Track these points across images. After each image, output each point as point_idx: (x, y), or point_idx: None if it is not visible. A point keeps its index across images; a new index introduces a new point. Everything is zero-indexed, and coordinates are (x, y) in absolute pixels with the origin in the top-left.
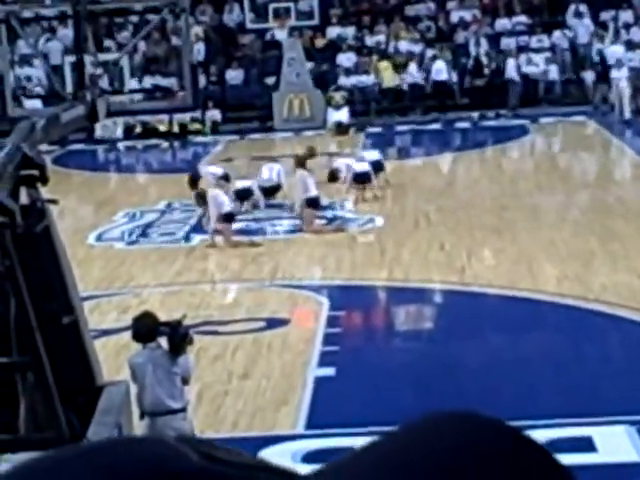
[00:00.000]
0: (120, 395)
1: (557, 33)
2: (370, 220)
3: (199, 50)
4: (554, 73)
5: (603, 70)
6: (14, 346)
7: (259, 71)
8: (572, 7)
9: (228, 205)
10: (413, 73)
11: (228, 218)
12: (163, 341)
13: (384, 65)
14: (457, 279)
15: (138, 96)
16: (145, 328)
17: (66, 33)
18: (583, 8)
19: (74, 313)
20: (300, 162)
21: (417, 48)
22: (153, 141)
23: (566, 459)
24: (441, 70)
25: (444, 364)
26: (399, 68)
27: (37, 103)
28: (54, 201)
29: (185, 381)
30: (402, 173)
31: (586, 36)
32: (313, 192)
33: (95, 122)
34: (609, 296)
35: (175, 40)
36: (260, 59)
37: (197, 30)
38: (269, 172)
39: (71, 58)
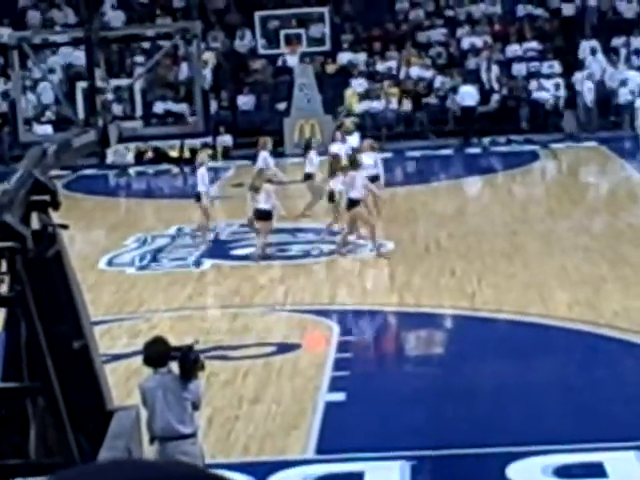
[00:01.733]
0: (130, 420)
1: (578, 75)
2: (381, 245)
3: (210, 76)
4: (563, 99)
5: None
6: (25, 371)
7: (270, 96)
8: (585, 45)
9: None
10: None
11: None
12: (174, 366)
13: (394, 91)
14: (468, 304)
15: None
16: (156, 353)
17: (78, 55)
18: (595, 43)
19: (85, 338)
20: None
21: (428, 74)
22: (164, 166)
23: None
24: (469, 94)
25: (454, 389)
26: (411, 94)
27: (48, 129)
28: (65, 226)
29: (195, 406)
30: (413, 198)
31: (599, 71)
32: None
33: (106, 147)
34: (620, 321)
35: (187, 66)
36: (271, 85)
37: (209, 56)
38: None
39: (83, 84)
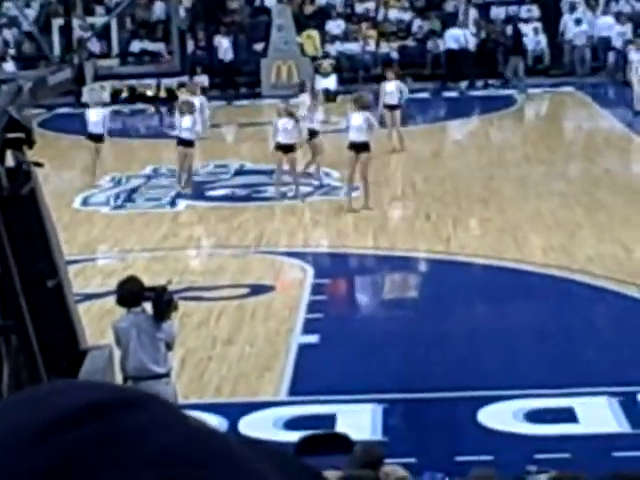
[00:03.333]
0: (103, 359)
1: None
2: (356, 188)
3: (187, 15)
4: (543, 43)
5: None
6: None
7: (247, 37)
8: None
9: None
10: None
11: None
12: (148, 306)
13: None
14: (443, 248)
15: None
16: (130, 293)
17: None
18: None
19: (58, 276)
20: None
21: (407, 16)
22: (140, 106)
23: (548, 429)
24: (455, 37)
25: (428, 334)
26: (389, 36)
27: (10, 66)
28: (40, 164)
29: (169, 346)
30: (389, 142)
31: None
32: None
33: (82, 85)
34: (594, 267)
35: (162, 5)
36: (249, 25)
37: None
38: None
39: (59, 21)
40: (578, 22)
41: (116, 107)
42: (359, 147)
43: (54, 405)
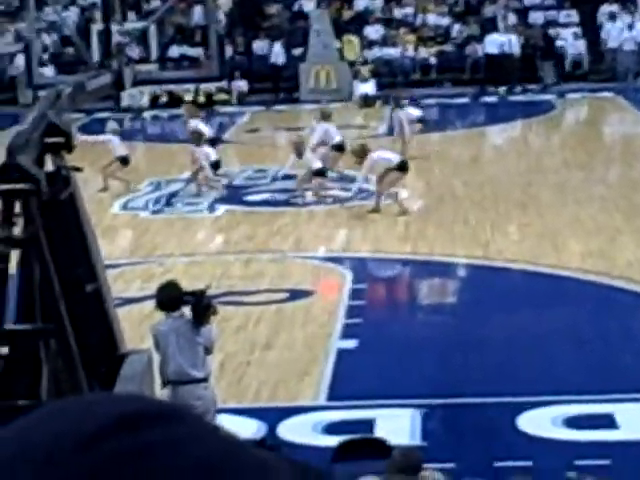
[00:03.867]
0: (142, 363)
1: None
2: (395, 193)
3: (225, 20)
4: (582, 48)
5: None
6: (38, 313)
7: (286, 42)
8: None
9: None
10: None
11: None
12: (187, 310)
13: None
14: (481, 253)
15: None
16: (169, 297)
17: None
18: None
19: (97, 281)
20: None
21: (445, 21)
22: (179, 110)
23: (588, 435)
24: (497, 42)
25: (466, 338)
26: (427, 41)
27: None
28: (79, 169)
29: (208, 351)
30: (428, 146)
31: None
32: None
33: (121, 90)
34: (634, 272)
35: (200, 10)
36: (287, 30)
37: (223, 0)
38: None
39: (98, 26)
40: (630, 28)
41: (155, 112)
42: None
43: (95, 416)
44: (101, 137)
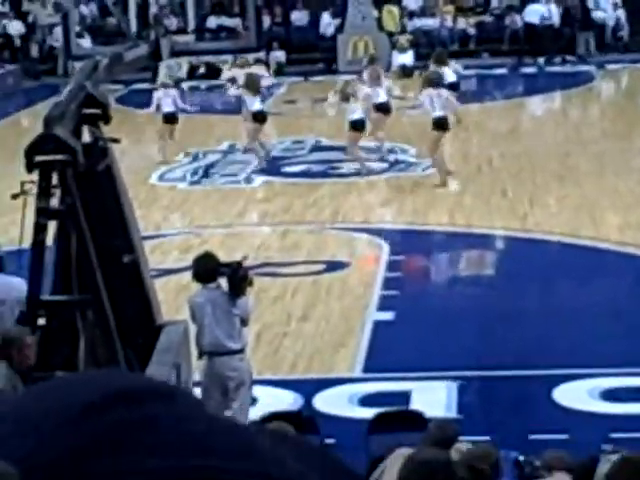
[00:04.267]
0: (179, 335)
1: None
2: (432, 165)
3: None
4: (622, 18)
5: None
6: (75, 284)
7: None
8: None
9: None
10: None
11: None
12: (223, 282)
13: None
14: (519, 226)
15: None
16: (205, 268)
17: None
18: None
19: (135, 252)
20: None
21: None
22: (217, 82)
23: (624, 408)
24: (536, 12)
25: (504, 311)
26: (466, 12)
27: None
28: (116, 140)
29: (244, 322)
30: (466, 117)
31: None
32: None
33: (158, 61)
34: None
35: None
36: (326, 1)
37: None
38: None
39: None
40: None
41: (193, 83)
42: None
43: (90, 390)
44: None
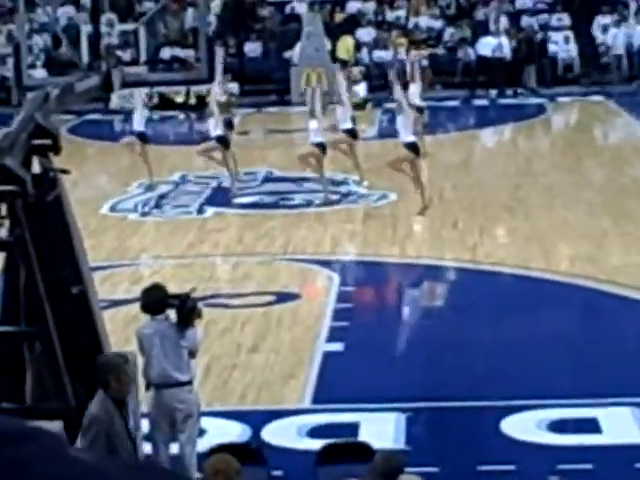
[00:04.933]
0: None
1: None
2: (383, 196)
3: (216, 22)
4: (573, 52)
5: None
6: (22, 315)
7: (278, 44)
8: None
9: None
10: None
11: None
12: (172, 313)
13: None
14: (469, 257)
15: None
16: (154, 300)
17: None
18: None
19: (83, 283)
20: None
21: (437, 24)
22: (169, 112)
23: (571, 440)
24: (488, 45)
25: (453, 342)
26: (419, 44)
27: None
28: (66, 171)
29: (192, 354)
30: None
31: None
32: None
33: (110, 92)
34: (622, 277)
35: (193, 12)
36: (279, 32)
37: (216, 2)
38: None
39: (88, 28)
40: (617, 24)
41: (146, 113)
42: None
43: None
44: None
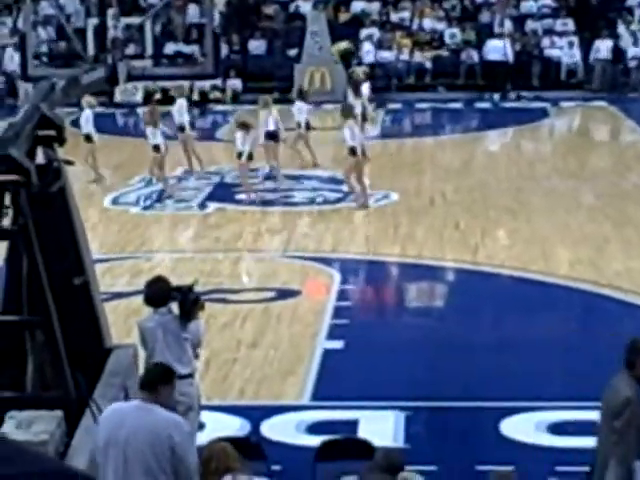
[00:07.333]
0: (128, 358)
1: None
2: (385, 196)
3: (221, 19)
4: (577, 57)
5: None
6: (25, 305)
7: (282, 42)
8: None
9: None
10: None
11: None
12: (174, 306)
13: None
14: (470, 258)
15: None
16: (157, 293)
17: None
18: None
19: (85, 274)
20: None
21: (441, 26)
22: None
23: (570, 442)
24: (497, 48)
25: (453, 342)
26: (423, 46)
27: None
28: (70, 162)
29: (197, 346)
30: (420, 151)
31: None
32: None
33: (115, 85)
34: (622, 282)
35: (198, 8)
36: (283, 30)
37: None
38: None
39: (94, 20)
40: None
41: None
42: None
43: None
44: None
